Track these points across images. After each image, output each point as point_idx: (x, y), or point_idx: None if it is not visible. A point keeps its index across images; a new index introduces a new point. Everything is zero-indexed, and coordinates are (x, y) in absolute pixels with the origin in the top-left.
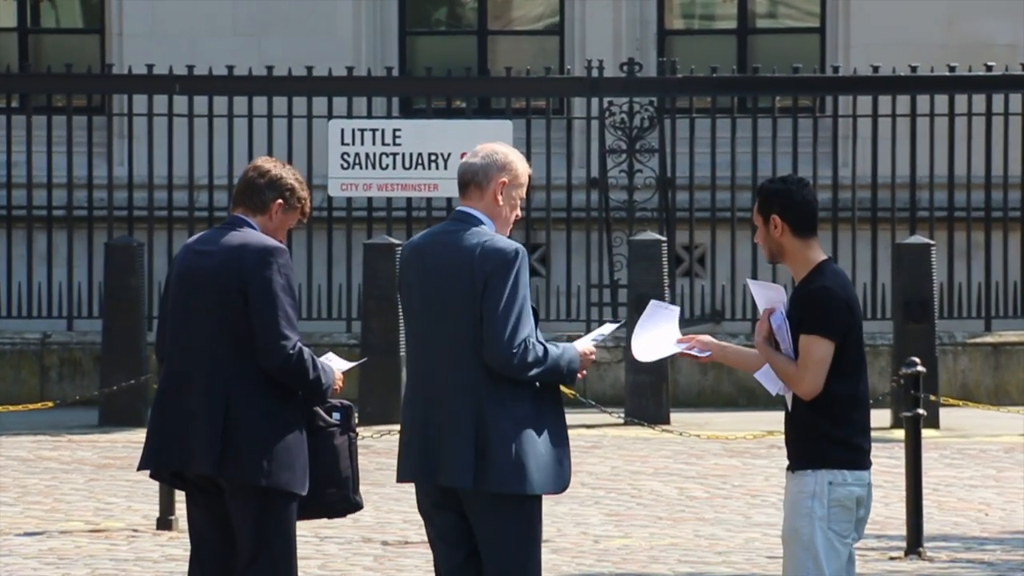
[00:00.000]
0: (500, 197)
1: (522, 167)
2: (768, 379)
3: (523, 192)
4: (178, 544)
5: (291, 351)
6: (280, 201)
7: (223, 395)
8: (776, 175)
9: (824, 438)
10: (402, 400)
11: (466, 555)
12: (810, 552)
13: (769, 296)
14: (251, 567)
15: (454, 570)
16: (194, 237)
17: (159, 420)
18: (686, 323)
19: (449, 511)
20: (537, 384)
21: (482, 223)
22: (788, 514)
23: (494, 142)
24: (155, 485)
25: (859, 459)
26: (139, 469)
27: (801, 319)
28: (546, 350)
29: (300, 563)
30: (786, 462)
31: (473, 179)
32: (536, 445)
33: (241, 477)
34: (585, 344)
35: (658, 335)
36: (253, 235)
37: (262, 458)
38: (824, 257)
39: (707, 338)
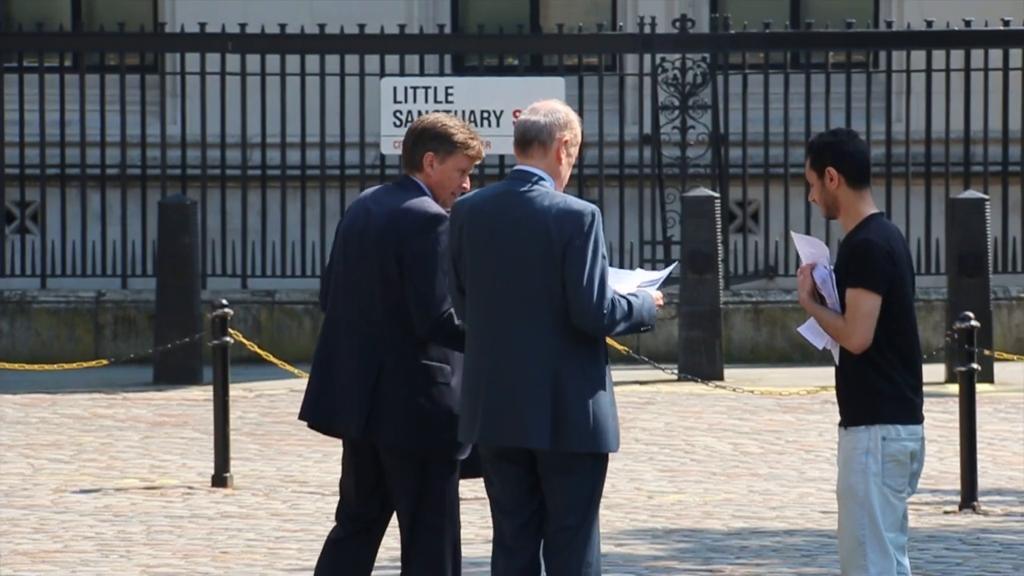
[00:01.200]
0: (562, 155)
1: (579, 126)
2: (813, 333)
3: (577, 151)
4: (233, 501)
5: (443, 317)
6: (430, 153)
7: (376, 359)
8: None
9: (876, 393)
10: (463, 361)
11: (530, 515)
12: (865, 508)
13: (810, 252)
14: (410, 532)
15: (519, 530)
16: (370, 190)
17: (317, 374)
18: (739, 279)
19: (517, 465)
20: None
21: (544, 181)
22: (842, 471)
23: (549, 100)
24: (210, 442)
25: (912, 413)
26: (300, 418)
27: (847, 273)
28: (629, 303)
29: None
30: (839, 418)
31: (537, 137)
32: (609, 404)
33: (389, 442)
34: (654, 291)
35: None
36: (416, 201)
37: (412, 423)
38: (874, 211)
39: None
